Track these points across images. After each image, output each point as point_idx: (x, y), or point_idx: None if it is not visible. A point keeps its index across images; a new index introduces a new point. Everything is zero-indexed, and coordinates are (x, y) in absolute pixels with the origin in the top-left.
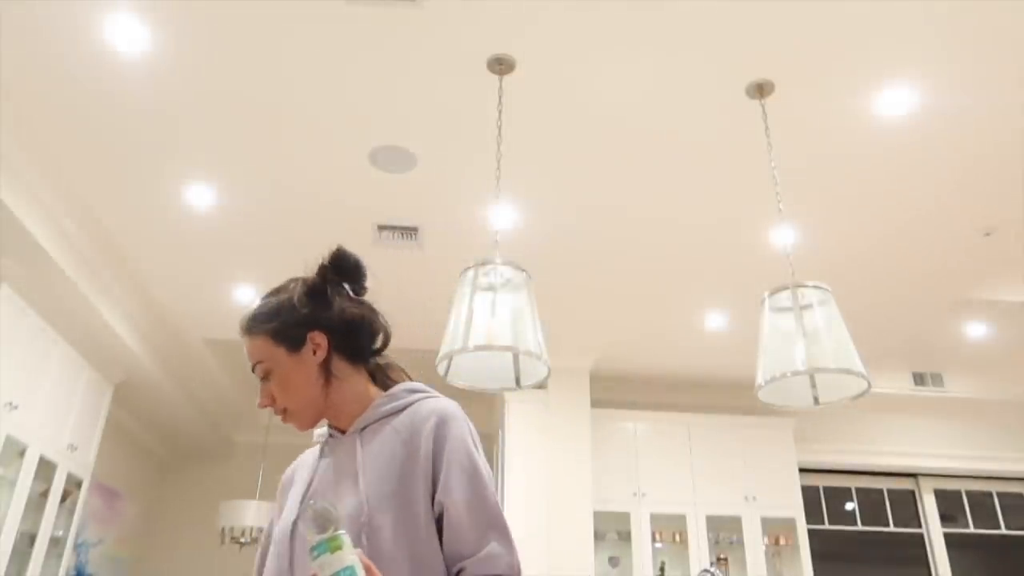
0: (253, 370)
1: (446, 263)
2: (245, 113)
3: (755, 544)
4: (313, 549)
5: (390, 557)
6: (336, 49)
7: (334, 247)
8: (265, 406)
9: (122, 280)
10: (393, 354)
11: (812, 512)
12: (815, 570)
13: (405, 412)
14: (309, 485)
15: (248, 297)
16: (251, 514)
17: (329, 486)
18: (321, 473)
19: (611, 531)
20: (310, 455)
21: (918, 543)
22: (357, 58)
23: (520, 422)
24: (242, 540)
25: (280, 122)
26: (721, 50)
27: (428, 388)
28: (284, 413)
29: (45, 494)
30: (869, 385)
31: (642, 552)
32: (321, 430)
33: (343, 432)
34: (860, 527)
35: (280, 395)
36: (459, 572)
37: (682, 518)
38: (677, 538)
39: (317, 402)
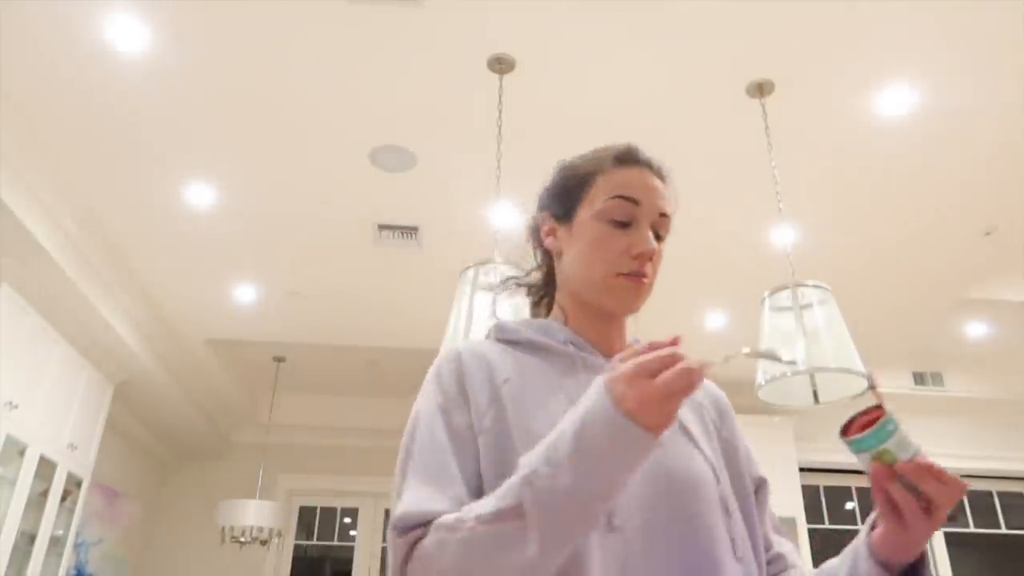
0: (648, 227)
1: (446, 262)
2: (245, 113)
3: None
4: (874, 440)
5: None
6: (336, 48)
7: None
8: (644, 266)
9: (122, 280)
10: (393, 354)
11: (812, 511)
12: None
13: None
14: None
15: (248, 297)
16: (251, 514)
17: None
18: None
19: None
20: (504, 356)
21: None
22: (357, 57)
23: None
24: (242, 540)
25: (280, 122)
26: (721, 49)
27: None
28: (642, 283)
29: (45, 493)
30: (870, 385)
31: None
32: (535, 330)
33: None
34: (860, 526)
35: (655, 264)
36: (776, 553)
37: None
38: None
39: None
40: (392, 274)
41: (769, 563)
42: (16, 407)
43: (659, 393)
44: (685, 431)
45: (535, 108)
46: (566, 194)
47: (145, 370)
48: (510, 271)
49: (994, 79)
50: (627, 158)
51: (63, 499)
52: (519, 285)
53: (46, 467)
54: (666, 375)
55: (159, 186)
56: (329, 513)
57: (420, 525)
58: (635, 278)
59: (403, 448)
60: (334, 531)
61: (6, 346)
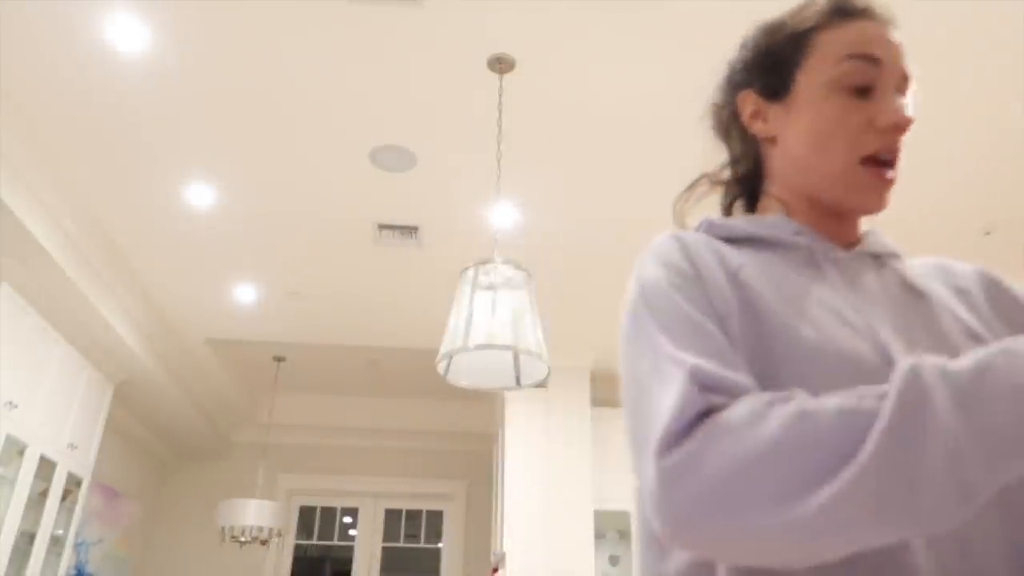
0: (895, 91)
1: (446, 262)
2: (245, 113)
3: None
4: None
5: None
6: (336, 48)
7: None
8: (896, 141)
9: (122, 279)
10: (393, 353)
11: None
12: None
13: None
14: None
15: (248, 297)
16: (251, 513)
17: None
18: (885, 306)
19: (612, 530)
20: (726, 248)
21: None
22: (357, 57)
23: (520, 421)
24: (242, 539)
25: (280, 121)
26: (721, 49)
27: None
28: (890, 177)
29: (45, 493)
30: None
31: None
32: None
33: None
34: None
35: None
36: None
37: None
38: None
39: None
40: (392, 274)
41: None
42: (16, 407)
43: None
44: (965, 329)
45: (535, 108)
46: (778, 63)
47: (145, 370)
48: (510, 270)
49: (995, 78)
50: (851, 8)
51: (63, 499)
52: (714, 183)
53: (46, 467)
54: None
55: (159, 186)
56: (329, 513)
57: (724, 390)
58: (883, 168)
59: (635, 326)
60: (334, 531)
61: (6, 346)
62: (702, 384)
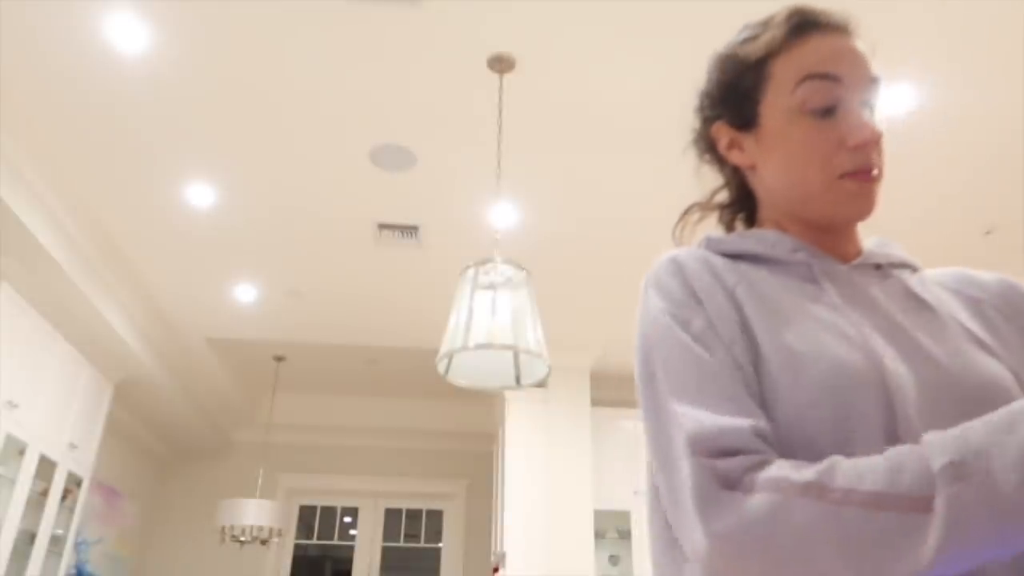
0: (859, 104)
1: (446, 262)
2: (245, 113)
3: None
4: None
5: None
6: (336, 48)
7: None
8: (870, 156)
9: (122, 279)
10: (393, 353)
11: None
12: None
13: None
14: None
15: (248, 296)
16: (251, 513)
17: (912, 334)
18: (889, 314)
19: (611, 530)
20: (725, 264)
21: None
22: (357, 57)
23: (520, 421)
24: (242, 539)
25: (280, 121)
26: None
27: None
28: (873, 180)
29: (45, 493)
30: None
31: (643, 551)
32: (791, 247)
33: (844, 262)
34: None
35: (880, 147)
36: None
37: None
38: None
39: None
40: (392, 273)
41: None
42: (16, 407)
43: None
44: (971, 337)
45: (535, 107)
46: (739, 95)
47: (145, 370)
48: (510, 270)
49: (995, 77)
50: (803, 25)
51: (63, 498)
52: (704, 211)
53: (46, 466)
54: None
55: (159, 186)
56: (329, 512)
57: (731, 452)
58: (863, 176)
59: (644, 377)
60: (334, 530)
61: (6, 346)
62: (706, 449)
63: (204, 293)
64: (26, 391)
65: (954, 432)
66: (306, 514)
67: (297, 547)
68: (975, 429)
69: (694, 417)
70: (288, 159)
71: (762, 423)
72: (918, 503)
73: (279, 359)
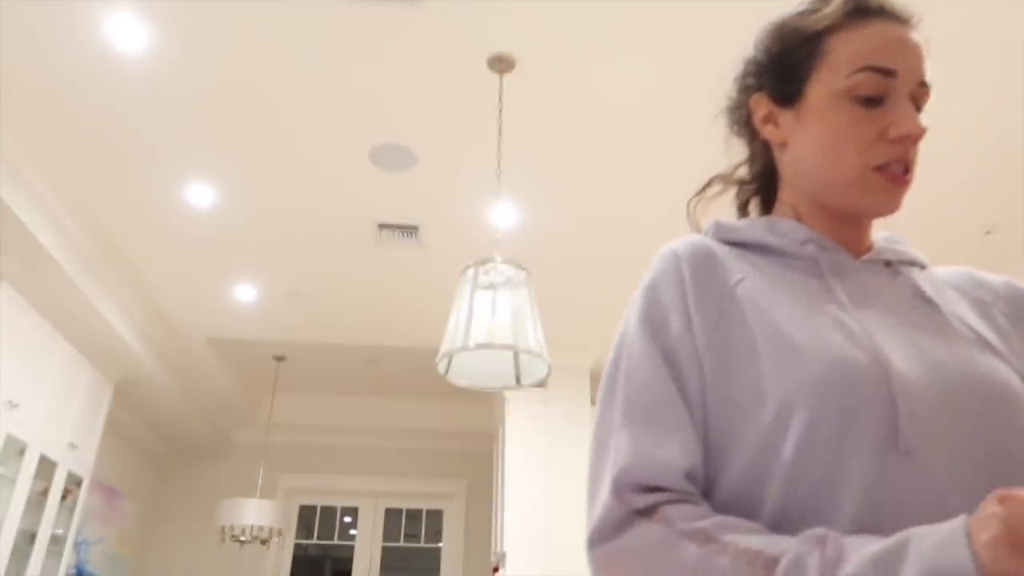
0: (907, 100)
1: (446, 261)
2: (245, 112)
3: None
4: None
5: None
6: (336, 48)
7: None
8: (908, 151)
9: (122, 279)
10: (393, 353)
11: None
12: None
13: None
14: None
15: (248, 296)
16: (251, 513)
17: (916, 333)
18: (891, 312)
19: None
20: (731, 255)
21: None
22: (357, 57)
23: (520, 421)
24: (242, 539)
25: (280, 121)
26: (722, 48)
27: None
28: (905, 181)
29: (45, 492)
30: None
31: None
32: (802, 239)
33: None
34: None
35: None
36: None
37: None
38: None
39: None
40: (392, 273)
41: None
42: (16, 406)
43: None
44: (978, 339)
45: (535, 107)
46: (789, 67)
47: (145, 369)
48: (510, 269)
49: (995, 77)
50: (866, 6)
51: (63, 498)
52: (726, 184)
53: (46, 466)
54: None
55: (159, 186)
56: (329, 512)
57: (649, 488)
58: (895, 175)
59: (607, 378)
60: (334, 530)
61: (6, 346)
62: (625, 485)
63: (204, 293)
64: (26, 391)
65: (856, 545)
66: (306, 514)
67: (297, 547)
68: (856, 549)
69: (632, 448)
70: (288, 159)
71: (698, 464)
72: (770, 562)
73: (279, 359)
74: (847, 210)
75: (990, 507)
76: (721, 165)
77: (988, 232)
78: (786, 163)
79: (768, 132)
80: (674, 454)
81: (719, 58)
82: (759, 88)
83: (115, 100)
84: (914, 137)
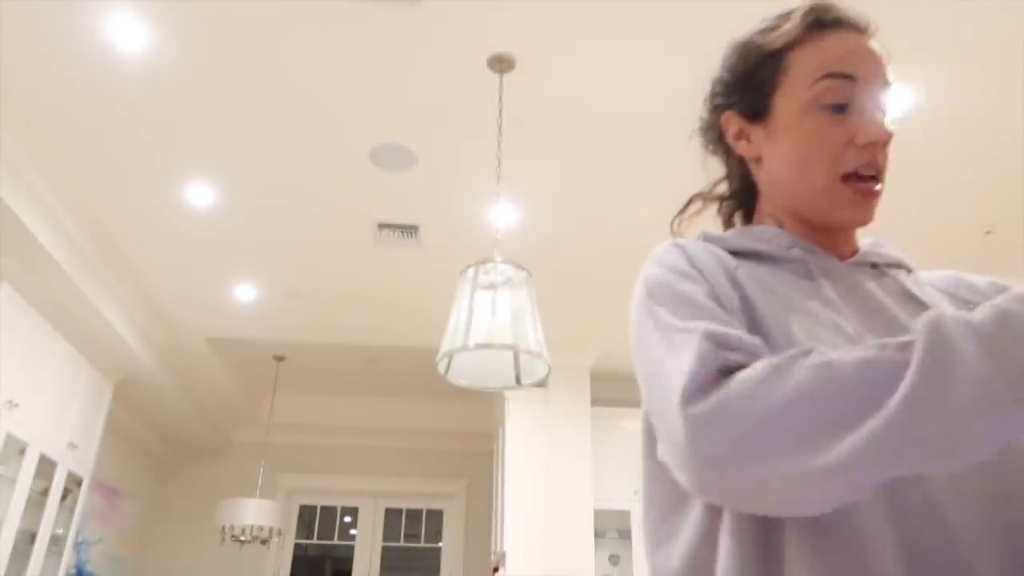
0: (872, 104)
1: (446, 261)
2: (245, 112)
3: None
4: None
5: None
6: (336, 48)
7: None
8: (876, 157)
9: (122, 279)
10: (393, 352)
11: None
12: None
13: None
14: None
15: (248, 296)
16: (251, 513)
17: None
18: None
19: (611, 529)
20: (724, 257)
21: None
22: (357, 57)
23: (520, 421)
24: (242, 539)
25: (280, 121)
26: (722, 48)
27: None
28: (875, 191)
29: (45, 492)
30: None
31: (643, 550)
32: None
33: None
34: None
35: (886, 154)
36: None
37: None
38: None
39: None
40: (392, 273)
41: None
42: (16, 406)
43: None
44: None
45: (535, 107)
46: (754, 84)
47: (145, 369)
48: (510, 269)
49: (995, 77)
50: (823, 19)
51: (63, 498)
52: (706, 201)
53: (46, 466)
54: None
55: (159, 186)
56: (329, 512)
57: (738, 348)
58: (866, 183)
59: (646, 313)
60: (334, 530)
61: (6, 346)
62: (718, 343)
63: (204, 293)
64: (26, 391)
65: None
66: (306, 514)
67: (297, 547)
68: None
69: (709, 324)
70: (288, 159)
71: (762, 345)
72: (903, 348)
73: (279, 359)
74: (821, 221)
75: None
76: (721, 165)
77: (988, 232)
78: (762, 177)
79: (742, 148)
80: (743, 332)
81: (719, 56)
82: (729, 106)
83: (115, 100)
84: (881, 142)
